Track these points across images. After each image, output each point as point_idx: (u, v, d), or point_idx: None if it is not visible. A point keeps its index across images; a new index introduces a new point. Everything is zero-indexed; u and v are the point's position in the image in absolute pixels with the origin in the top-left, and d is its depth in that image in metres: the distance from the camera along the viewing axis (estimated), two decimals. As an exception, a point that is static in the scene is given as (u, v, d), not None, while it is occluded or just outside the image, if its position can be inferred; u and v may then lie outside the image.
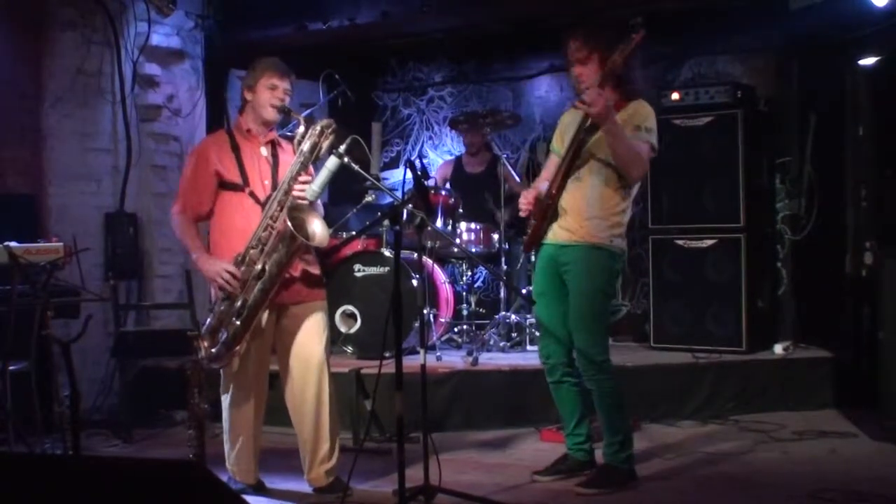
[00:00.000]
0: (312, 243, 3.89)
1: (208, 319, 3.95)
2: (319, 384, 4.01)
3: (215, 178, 4.02)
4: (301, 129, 3.98)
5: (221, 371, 4.07)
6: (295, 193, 3.91)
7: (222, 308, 3.90)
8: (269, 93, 4.02)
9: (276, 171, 4.05)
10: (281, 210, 3.88)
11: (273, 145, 4.13)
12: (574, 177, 4.03)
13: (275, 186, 3.99)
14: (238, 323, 3.85)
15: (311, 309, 4.06)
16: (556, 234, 4.07)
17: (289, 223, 3.78)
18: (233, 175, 4.02)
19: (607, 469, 4.11)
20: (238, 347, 3.89)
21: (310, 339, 4.03)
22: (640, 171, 4.01)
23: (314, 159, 3.99)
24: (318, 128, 3.97)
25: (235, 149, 4.05)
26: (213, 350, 3.89)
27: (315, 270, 4.13)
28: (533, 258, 6.20)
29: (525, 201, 4.09)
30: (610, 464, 4.11)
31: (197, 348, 3.89)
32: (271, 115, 4.04)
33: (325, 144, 3.96)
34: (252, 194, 4.00)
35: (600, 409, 4.09)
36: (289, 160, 4.03)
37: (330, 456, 4.05)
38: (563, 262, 4.05)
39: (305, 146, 3.95)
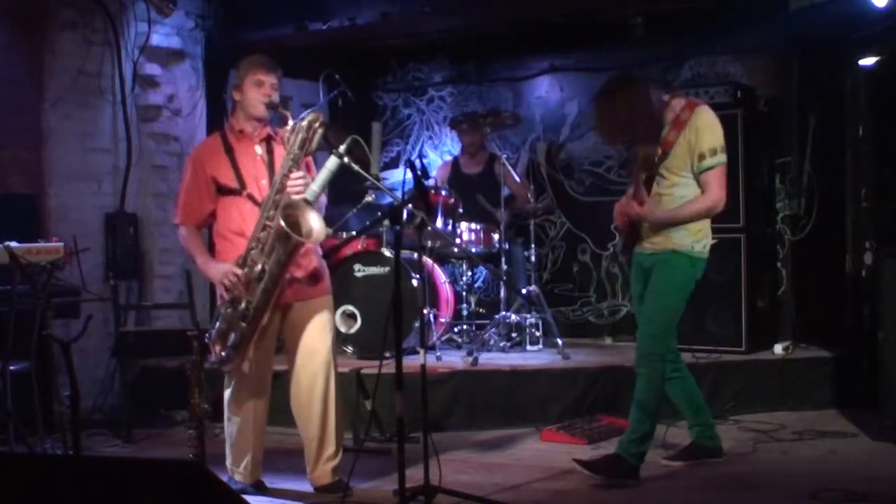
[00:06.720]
0: (308, 241, 3.86)
1: (217, 323, 3.95)
2: (326, 381, 4.02)
3: (213, 184, 4.01)
4: (290, 124, 3.95)
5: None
6: (288, 190, 3.87)
7: (229, 311, 3.90)
8: (257, 90, 3.99)
9: (273, 168, 4.02)
10: (276, 209, 3.85)
11: (268, 141, 4.09)
12: (656, 192, 4.17)
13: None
14: (245, 325, 3.86)
15: (317, 305, 4.07)
16: (644, 245, 4.28)
17: (282, 221, 3.76)
18: (229, 179, 4.00)
19: (617, 459, 4.18)
20: (247, 350, 3.90)
21: (316, 335, 4.04)
22: (714, 210, 4.16)
23: (305, 154, 3.95)
24: (306, 122, 3.91)
25: (229, 151, 4.03)
26: (224, 353, 3.90)
27: (319, 267, 4.12)
28: (533, 259, 6.27)
29: (619, 213, 4.32)
30: (621, 455, 4.17)
31: (208, 353, 3.91)
32: (261, 112, 4.00)
33: (315, 139, 3.91)
34: (250, 196, 3.99)
35: (640, 398, 4.20)
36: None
37: (335, 454, 4.06)
38: (648, 268, 4.26)
39: (295, 142, 3.91)
